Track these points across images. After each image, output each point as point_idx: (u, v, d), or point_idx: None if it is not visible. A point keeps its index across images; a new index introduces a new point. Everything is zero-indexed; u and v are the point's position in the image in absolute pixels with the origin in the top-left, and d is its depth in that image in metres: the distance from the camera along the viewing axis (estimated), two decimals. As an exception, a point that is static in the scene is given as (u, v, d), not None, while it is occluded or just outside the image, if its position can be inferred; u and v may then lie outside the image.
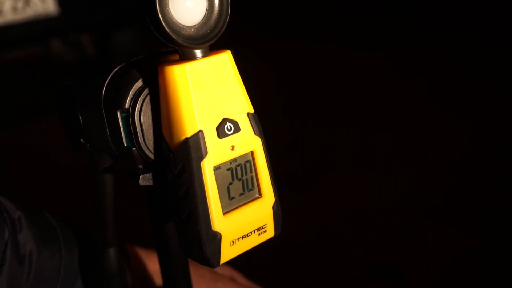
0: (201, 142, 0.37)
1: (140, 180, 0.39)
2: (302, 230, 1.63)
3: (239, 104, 0.39)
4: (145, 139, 0.39)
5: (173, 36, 0.36)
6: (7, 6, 2.24)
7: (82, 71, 2.92)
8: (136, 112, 0.38)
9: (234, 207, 0.39)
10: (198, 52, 0.38)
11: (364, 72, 2.80)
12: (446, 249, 1.61)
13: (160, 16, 0.35)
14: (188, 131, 0.37)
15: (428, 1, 3.57)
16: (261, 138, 0.40)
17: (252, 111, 0.40)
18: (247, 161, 0.40)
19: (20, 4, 2.27)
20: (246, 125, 0.39)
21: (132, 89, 0.38)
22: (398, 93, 2.56)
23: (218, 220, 0.38)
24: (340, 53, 3.02)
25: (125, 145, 0.39)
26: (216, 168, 0.38)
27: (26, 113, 2.59)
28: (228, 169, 0.39)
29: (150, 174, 0.40)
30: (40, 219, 0.49)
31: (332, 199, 1.86)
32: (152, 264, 0.55)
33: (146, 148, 0.39)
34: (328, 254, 1.63)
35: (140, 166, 0.40)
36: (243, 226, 0.40)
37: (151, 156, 0.39)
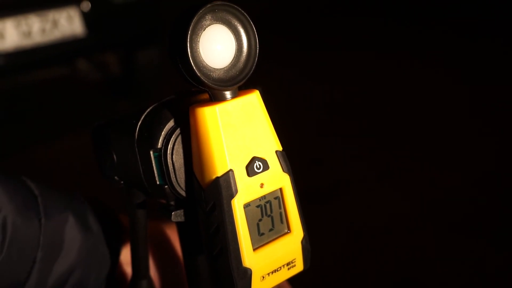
0: (232, 181, 0.38)
1: (172, 216, 0.41)
2: (326, 244, 1.63)
3: (267, 142, 0.40)
4: (177, 177, 0.40)
5: (203, 79, 0.37)
6: (36, 28, 2.30)
7: (107, 89, 2.98)
8: (168, 152, 0.39)
9: (263, 243, 0.40)
10: (227, 94, 0.39)
11: (392, 81, 2.79)
12: (473, 264, 1.59)
13: (191, 60, 0.36)
14: (219, 171, 0.38)
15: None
16: (289, 174, 0.41)
17: (280, 148, 0.41)
18: (276, 198, 0.41)
19: (48, 26, 2.33)
20: (274, 163, 0.40)
21: (164, 129, 0.40)
22: (425, 105, 2.54)
23: (249, 256, 0.39)
24: (370, 61, 3.01)
25: (158, 183, 0.40)
26: (246, 206, 0.39)
27: (52, 132, 2.64)
28: (257, 206, 0.40)
29: (182, 210, 0.41)
30: (17, 187, 0.47)
31: (357, 212, 1.85)
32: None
33: (178, 186, 0.40)
34: (352, 268, 1.62)
35: (172, 203, 0.41)
36: (272, 262, 0.40)
37: (183, 193, 0.40)
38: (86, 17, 2.37)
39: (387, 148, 2.22)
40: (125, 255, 0.53)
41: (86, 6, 2.37)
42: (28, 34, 2.29)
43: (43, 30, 2.32)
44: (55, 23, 2.34)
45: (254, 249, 0.39)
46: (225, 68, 0.38)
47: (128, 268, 0.53)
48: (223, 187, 0.38)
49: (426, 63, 3.00)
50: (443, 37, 3.32)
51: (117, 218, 0.54)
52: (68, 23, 2.36)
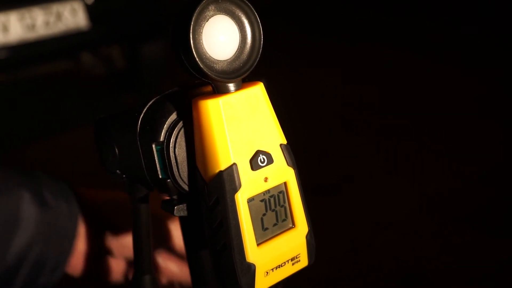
0: (235, 175, 0.38)
1: (175, 211, 0.40)
2: (332, 238, 1.62)
3: (272, 135, 0.39)
4: (180, 171, 0.39)
5: (206, 71, 0.36)
6: (40, 21, 2.30)
7: (111, 83, 2.97)
8: (170, 145, 0.39)
9: (267, 237, 0.39)
10: (231, 86, 0.38)
11: (401, 75, 2.77)
12: (479, 259, 1.58)
13: (194, 51, 0.36)
14: (222, 164, 0.37)
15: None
16: (294, 168, 0.40)
17: (285, 142, 0.40)
18: (280, 192, 0.40)
19: (52, 19, 2.32)
20: (279, 157, 0.40)
21: (166, 123, 0.39)
22: (428, 99, 2.53)
23: (252, 252, 0.38)
24: (380, 55, 2.99)
25: (160, 177, 0.40)
26: (250, 200, 0.38)
27: (56, 126, 2.64)
28: (261, 201, 0.39)
29: (185, 205, 0.40)
30: None
31: (363, 207, 1.85)
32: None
33: (181, 180, 0.39)
34: (358, 264, 1.61)
35: (175, 197, 0.41)
36: (277, 257, 0.40)
37: (186, 187, 0.40)
38: (90, 10, 2.37)
39: (394, 142, 2.21)
40: (122, 243, 0.52)
41: (90, -1, 2.37)
42: (32, 27, 2.28)
43: (46, 23, 2.32)
44: (59, 16, 2.34)
45: (258, 244, 0.39)
46: (229, 60, 0.38)
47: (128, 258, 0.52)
48: (226, 181, 0.37)
49: (436, 57, 2.97)
50: (456, 32, 3.28)
51: (77, 194, 0.53)
52: (72, 16, 2.36)
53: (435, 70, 2.82)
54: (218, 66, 0.37)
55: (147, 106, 0.40)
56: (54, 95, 2.94)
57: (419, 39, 3.24)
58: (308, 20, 3.78)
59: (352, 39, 3.33)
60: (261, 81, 0.40)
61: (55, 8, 2.32)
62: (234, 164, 0.38)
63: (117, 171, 0.43)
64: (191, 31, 0.35)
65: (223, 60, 0.37)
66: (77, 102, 2.79)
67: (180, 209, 0.40)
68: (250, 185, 0.38)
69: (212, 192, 0.38)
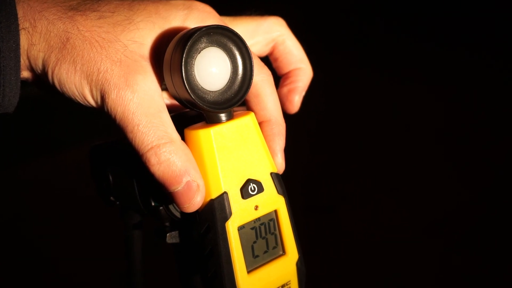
0: (226, 203, 0.38)
1: (167, 238, 0.41)
2: (321, 259, 1.62)
3: (262, 164, 0.40)
4: None
5: (198, 101, 0.37)
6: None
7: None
8: None
9: (258, 265, 0.40)
10: (222, 116, 0.39)
11: (385, 101, 2.78)
12: (468, 281, 1.58)
13: (185, 82, 0.37)
14: (213, 193, 0.38)
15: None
16: (284, 197, 0.41)
17: (275, 170, 0.41)
18: (270, 220, 0.41)
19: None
20: (269, 185, 0.40)
21: None
22: (419, 126, 2.53)
23: (243, 279, 0.39)
24: (375, 81, 3.00)
25: (153, 204, 0.40)
26: (240, 228, 0.39)
27: (53, 144, 2.63)
28: (252, 228, 0.40)
29: (177, 232, 0.41)
30: None
31: (356, 227, 1.85)
32: None
33: (173, 207, 0.40)
34: (350, 284, 1.61)
35: (167, 224, 0.41)
36: (267, 284, 0.40)
37: (178, 215, 0.40)
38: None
39: (384, 164, 2.22)
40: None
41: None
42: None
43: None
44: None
45: (248, 272, 0.39)
46: (220, 91, 0.38)
47: None
48: (217, 210, 0.38)
49: (431, 85, 2.97)
50: (469, 63, 3.26)
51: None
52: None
53: (431, 100, 2.81)
54: (209, 97, 0.38)
55: None
56: (65, 108, 2.94)
57: (426, 65, 3.23)
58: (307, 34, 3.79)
59: (346, 61, 3.33)
60: (252, 111, 0.41)
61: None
62: (225, 192, 0.38)
63: (111, 197, 0.43)
64: (183, 63, 0.36)
65: (215, 91, 0.38)
66: (72, 120, 2.79)
67: (173, 236, 0.41)
68: (241, 213, 0.39)
69: (203, 220, 0.39)
